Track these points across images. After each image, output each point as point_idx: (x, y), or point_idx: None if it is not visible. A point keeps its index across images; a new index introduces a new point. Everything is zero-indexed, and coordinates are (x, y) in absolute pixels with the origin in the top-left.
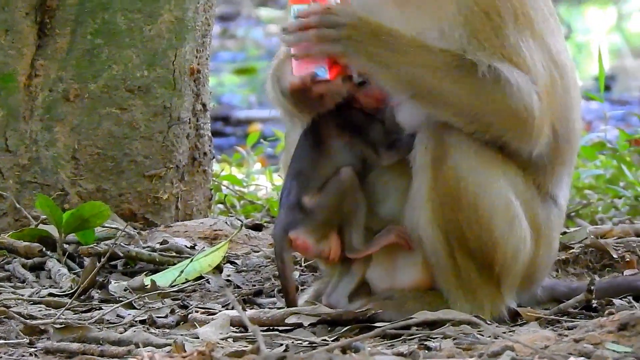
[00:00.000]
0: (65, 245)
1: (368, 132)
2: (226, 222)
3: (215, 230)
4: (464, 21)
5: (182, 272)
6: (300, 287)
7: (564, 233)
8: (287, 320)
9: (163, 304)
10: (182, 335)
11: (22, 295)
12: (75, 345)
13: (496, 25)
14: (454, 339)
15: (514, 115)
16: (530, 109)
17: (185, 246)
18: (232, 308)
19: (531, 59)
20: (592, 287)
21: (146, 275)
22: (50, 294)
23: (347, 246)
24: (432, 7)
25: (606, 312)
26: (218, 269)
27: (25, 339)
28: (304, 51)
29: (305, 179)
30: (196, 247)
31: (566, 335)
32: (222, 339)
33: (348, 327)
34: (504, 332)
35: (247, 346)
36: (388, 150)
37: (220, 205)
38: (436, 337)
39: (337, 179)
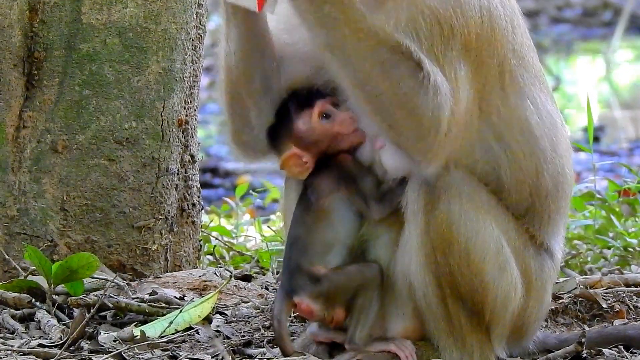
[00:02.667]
0: (55, 296)
1: (359, 184)
2: (215, 273)
3: (205, 281)
4: (415, 24)
5: (171, 322)
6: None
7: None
8: None
9: (153, 354)
10: None
11: (12, 346)
12: None
13: (445, 36)
14: None
15: (424, 117)
16: (439, 121)
17: (175, 297)
18: (222, 359)
19: (461, 82)
20: (583, 340)
21: (136, 326)
22: (40, 345)
23: (349, 337)
24: (389, 6)
25: None
26: (207, 320)
27: None
28: None
29: (308, 244)
30: (185, 298)
31: None
32: None
33: None
34: None
35: None
36: (379, 204)
37: (209, 256)
38: None
39: (362, 269)
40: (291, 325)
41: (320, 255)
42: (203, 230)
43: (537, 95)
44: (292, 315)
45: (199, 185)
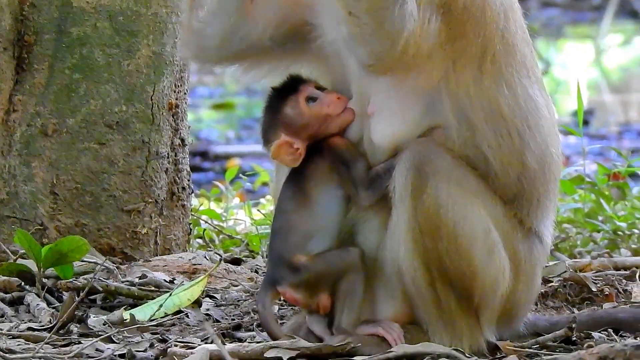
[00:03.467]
0: (44, 280)
1: (351, 169)
2: (205, 257)
3: (194, 264)
4: None
5: (161, 306)
6: (279, 322)
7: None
8: (266, 354)
9: (142, 338)
10: None
11: (1, 330)
12: None
13: None
14: None
15: (386, 19)
16: (400, 31)
17: (164, 280)
18: (212, 342)
19: (430, 29)
20: (573, 325)
21: (125, 309)
22: (30, 328)
23: (335, 322)
24: None
25: (585, 345)
26: (197, 303)
27: None
28: None
29: (288, 234)
30: (175, 281)
31: None
32: None
33: None
34: None
35: None
36: (367, 190)
37: (199, 240)
38: None
39: (341, 255)
40: (281, 309)
41: (301, 244)
42: (193, 213)
43: (519, 81)
44: (281, 299)
45: (189, 169)
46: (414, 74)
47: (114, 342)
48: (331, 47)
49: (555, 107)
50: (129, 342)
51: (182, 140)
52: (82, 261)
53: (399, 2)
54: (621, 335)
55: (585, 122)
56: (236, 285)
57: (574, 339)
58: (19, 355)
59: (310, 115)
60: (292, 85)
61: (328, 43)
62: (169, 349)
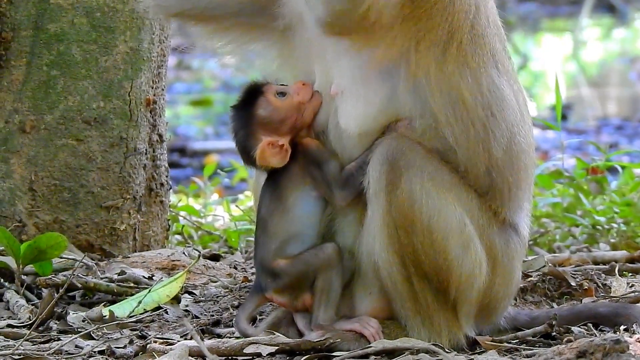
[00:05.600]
0: (23, 277)
1: (324, 169)
2: (184, 253)
3: (173, 260)
4: None
5: (140, 302)
6: (258, 317)
7: (522, 261)
8: (245, 350)
9: (121, 334)
10: None
11: None
12: None
13: None
14: None
15: None
16: None
17: (143, 277)
18: (191, 338)
19: None
20: (553, 322)
21: (104, 306)
22: (9, 325)
23: (313, 319)
24: None
25: (565, 339)
26: (176, 300)
27: None
28: None
29: (268, 240)
30: (154, 278)
31: None
32: None
33: (307, 356)
34: None
35: None
36: (342, 190)
37: (178, 236)
38: None
39: (317, 252)
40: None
41: (280, 249)
42: (171, 209)
43: (484, 71)
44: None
45: (167, 165)
46: (374, 47)
47: (93, 339)
48: (296, 26)
49: (534, 101)
50: (109, 338)
51: (160, 136)
52: (61, 258)
53: None
54: (601, 330)
55: (564, 117)
56: (215, 282)
57: (554, 333)
58: None
59: (284, 108)
60: (254, 92)
61: (294, 17)
62: (148, 345)
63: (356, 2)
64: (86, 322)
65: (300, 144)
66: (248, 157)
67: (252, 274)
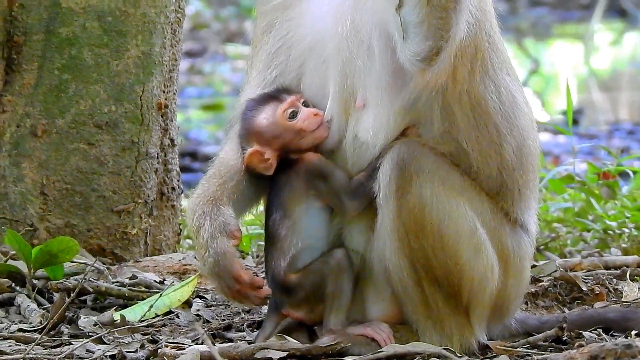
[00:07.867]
0: (35, 281)
1: (330, 181)
2: (195, 257)
3: (184, 264)
4: None
5: (151, 306)
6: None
7: (533, 266)
8: (256, 355)
9: (133, 338)
10: None
11: None
12: None
13: None
14: None
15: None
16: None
17: (155, 281)
18: (202, 342)
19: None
20: (564, 325)
21: (116, 310)
22: (20, 330)
23: (325, 323)
24: None
25: (576, 344)
26: (187, 304)
27: None
28: None
29: (277, 256)
30: (165, 282)
31: None
32: None
33: None
34: None
35: None
36: (353, 200)
37: (189, 240)
38: None
39: (326, 259)
40: None
41: (291, 264)
42: (183, 214)
43: (502, 78)
44: None
45: (178, 169)
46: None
47: (105, 343)
48: (309, 54)
49: (545, 106)
50: (120, 342)
51: (172, 140)
52: (72, 262)
53: (464, 10)
54: (612, 335)
55: (575, 121)
56: None
57: (565, 338)
58: (10, 357)
59: (284, 127)
60: (274, 97)
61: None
62: (159, 350)
63: (449, 42)
64: (97, 326)
65: (302, 158)
66: (241, 149)
67: (263, 278)
